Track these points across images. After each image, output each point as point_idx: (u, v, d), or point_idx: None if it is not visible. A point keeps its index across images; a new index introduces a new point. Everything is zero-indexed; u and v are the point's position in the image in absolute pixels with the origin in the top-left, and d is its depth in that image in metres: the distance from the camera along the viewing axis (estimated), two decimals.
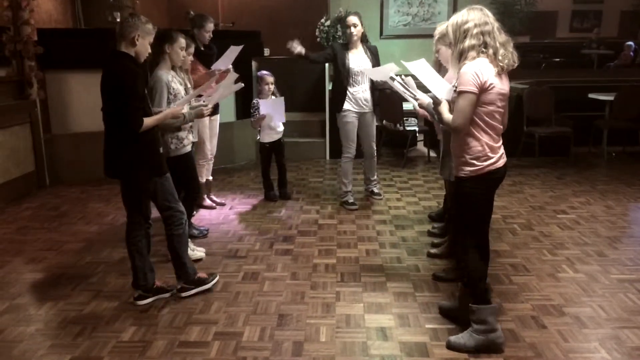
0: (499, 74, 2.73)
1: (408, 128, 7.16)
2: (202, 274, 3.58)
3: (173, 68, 3.93)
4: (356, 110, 5.14)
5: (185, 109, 3.77)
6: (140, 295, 3.42)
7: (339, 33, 8.48)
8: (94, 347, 2.95)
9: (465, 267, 2.96)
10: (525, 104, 6.96)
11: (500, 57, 2.71)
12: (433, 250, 4.14)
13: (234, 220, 5.03)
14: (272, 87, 5.37)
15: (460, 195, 2.92)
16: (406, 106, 6.96)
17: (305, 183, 6.31)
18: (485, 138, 2.77)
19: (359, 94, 5.09)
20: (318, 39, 8.64)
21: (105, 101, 3.14)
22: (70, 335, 3.06)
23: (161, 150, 3.36)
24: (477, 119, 2.75)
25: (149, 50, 3.23)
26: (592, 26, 11.62)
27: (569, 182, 6.17)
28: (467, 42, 2.72)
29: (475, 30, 2.71)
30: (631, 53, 10.78)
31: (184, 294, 3.47)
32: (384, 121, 7.10)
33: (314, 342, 2.97)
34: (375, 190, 5.56)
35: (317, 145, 7.67)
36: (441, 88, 2.96)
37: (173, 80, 3.83)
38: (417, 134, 7.80)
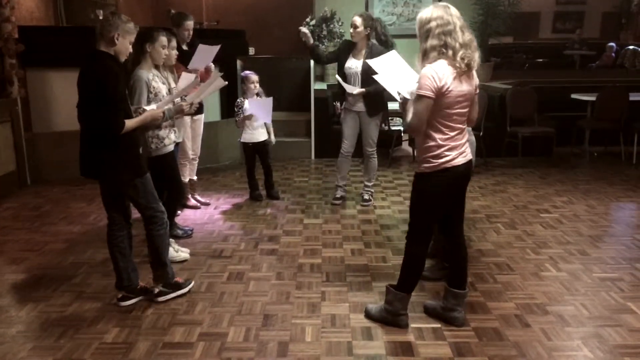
0: (459, 75, 2.75)
1: (393, 128, 7.18)
2: (178, 279, 3.52)
3: (156, 67, 3.89)
4: (353, 109, 5.13)
5: (165, 107, 3.72)
6: (123, 296, 3.38)
7: (324, 32, 8.47)
8: (76, 348, 2.91)
9: (406, 256, 3.05)
10: (508, 104, 7.01)
11: (459, 58, 2.73)
12: None
13: (218, 220, 5.00)
14: (257, 86, 5.34)
15: (417, 190, 2.97)
16: (391, 106, 6.97)
17: (291, 182, 6.30)
18: (442, 137, 2.82)
19: (349, 93, 5.07)
20: (303, 39, 8.62)
21: (83, 100, 3.09)
22: (52, 336, 3.02)
23: (140, 150, 3.31)
24: (434, 121, 2.80)
25: (130, 50, 3.19)
26: (575, 27, 11.77)
27: (552, 181, 6.23)
28: (429, 42, 2.77)
29: (437, 31, 2.74)
30: (613, 54, 10.93)
31: (161, 299, 3.39)
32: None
33: (299, 342, 2.97)
34: (365, 196, 5.44)
35: (303, 144, 7.65)
36: (408, 84, 2.96)
37: (154, 79, 3.78)
38: (402, 134, 7.82)
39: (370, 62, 3.24)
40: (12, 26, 5.86)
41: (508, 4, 8.39)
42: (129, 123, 3.10)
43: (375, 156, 5.34)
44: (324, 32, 8.49)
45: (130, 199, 3.32)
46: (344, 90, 5.10)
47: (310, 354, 2.85)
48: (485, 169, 6.77)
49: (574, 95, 7.34)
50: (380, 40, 5.08)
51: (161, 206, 3.40)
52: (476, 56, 2.79)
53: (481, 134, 6.57)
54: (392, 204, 5.44)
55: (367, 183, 5.46)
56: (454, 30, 2.73)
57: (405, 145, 7.99)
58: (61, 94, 6.24)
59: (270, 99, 5.30)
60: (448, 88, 2.72)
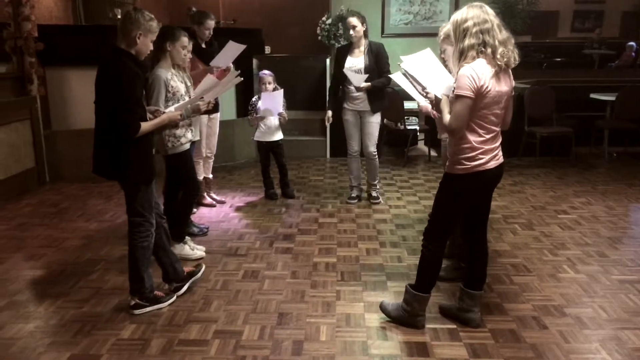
0: (497, 74, 2.72)
1: (409, 127, 7.16)
2: (158, 292, 3.37)
3: (173, 66, 3.90)
4: (351, 109, 5.12)
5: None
6: (176, 287, 3.45)
7: (340, 31, 8.46)
8: (93, 344, 2.94)
9: (423, 256, 3.02)
10: (526, 104, 6.94)
11: (499, 56, 2.69)
12: None
13: (234, 219, 5.01)
14: (272, 86, 5.35)
15: (445, 191, 2.93)
16: (407, 105, 6.95)
17: (306, 181, 6.30)
18: (477, 139, 2.78)
19: (353, 92, 5.07)
20: (319, 37, 8.62)
21: (99, 98, 3.04)
22: (69, 332, 3.05)
23: (153, 152, 3.25)
24: (470, 122, 2.75)
25: (151, 48, 3.13)
26: (594, 26, 11.61)
27: (570, 182, 6.16)
28: (467, 42, 2.71)
29: (474, 29, 2.70)
30: (632, 53, 10.77)
31: (137, 311, 3.25)
32: (385, 120, 7.08)
33: (314, 341, 2.96)
34: (374, 194, 5.43)
35: (318, 143, 7.66)
36: (442, 82, 2.94)
37: (172, 79, 3.78)
38: (418, 133, 7.79)
39: (404, 58, 3.18)
40: (32, 25, 5.93)
41: (526, 3, 8.33)
42: (145, 126, 3.03)
43: (377, 156, 5.33)
44: (340, 31, 8.48)
45: (127, 199, 3.21)
46: (334, 92, 5.17)
47: (325, 353, 2.85)
48: None
49: (592, 95, 7.25)
50: (366, 36, 5.13)
51: (153, 218, 3.26)
52: (515, 54, 2.75)
53: None
54: (407, 204, 5.41)
55: (371, 182, 5.47)
56: (492, 29, 2.70)
57: (420, 145, 7.96)
58: (80, 92, 6.32)
59: (281, 90, 5.29)
60: (487, 88, 2.69)
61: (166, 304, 3.36)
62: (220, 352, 2.86)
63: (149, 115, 3.18)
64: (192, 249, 4.08)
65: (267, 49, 8.42)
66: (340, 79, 5.12)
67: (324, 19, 8.60)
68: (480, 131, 2.78)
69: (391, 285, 3.61)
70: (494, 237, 4.48)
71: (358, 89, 4.99)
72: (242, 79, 4.21)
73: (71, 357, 2.82)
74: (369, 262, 4.02)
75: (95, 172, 3.17)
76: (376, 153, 5.29)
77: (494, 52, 2.69)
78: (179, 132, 3.84)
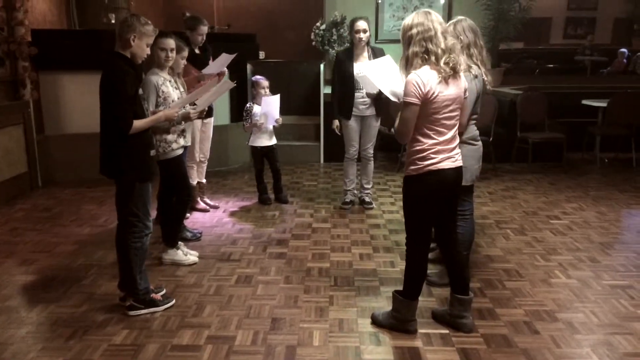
0: (445, 80, 2.75)
1: None
2: (155, 296, 3.38)
3: (167, 71, 3.91)
4: (355, 114, 5.14)
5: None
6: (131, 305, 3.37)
7: (334, 37, 8.49)
8: (85, 350, 2.93)
9: (406, 262, 3.05)
10: (518, 110, 6.98)
11: (442, 64, 2.74)
12: None
13: (227, 224, 5.01)
14: (267, 91, 5.36)
15: (405, 193, 2.97)
16: None
17: (300, 186, 6.31)
18: (429, 141, 2.83)
19: (360, 98, 5.07)
20: (313, 43, 8.65)
21: (100, 99, 3.10)
22: (61, 338, 3.04)
23: (152, 153, 3.28)
24: (422, 126, 2.81)
25: (147, 52, 3.16)
26: (586, 33, 11.70)
27: (562, 187, 6.20)
28: (411, 49, 2.79)
29: (417, 37, 2.77)
30: (624, 60, 10.86)
31: (131, 312, 3.28)
32: (379, 124, 7.09)
33: (307, 346, 2.97)
34: (367, 199, 5.46)
35: (312, 148, 7.67)
36: (396, 88, 2.98)
37: (164, 84, 3.80)
38: None
39: (368, 63, 3.26)
40: (26, 29, 5.93)
41: (519, 9, 8.37)
42: (138, 123, 3.08)
43: (373, 159, 5.39)
44: (334, 37, 8.51)
45: (121, 197, 3.20)
46: (339, 99, 5.12)
47: (318, 358, 2.85)
48: (494, 175, 6.74)
49: (584, 101, 7.31)
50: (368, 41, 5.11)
51: (148, 220, 3.27)
52: (461, 60, 2.83)
53: (491, 139, 6.56)
54: (400, 209, 5.37)
55: (366, 186, 5.47)
56: (435, 36, 2.75)
57: None
58: (73, 97, 6.32)
59: (277, 96, 5.30)
60: (433, 93, 2.73)
61: (161, 308, 3.36)
62: (213, 358, 2.86)
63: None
64: (185, 254, 4.07)
65: (262, 54, 8.44)
66: (344, 84, 5.06)
67: (318, 24, 8.62)
68: (433, 134, 2.82)
69: (384, 291, 3.62)
70: (486, 242, 4.50)
71: (370, 95, 4.99)
72: (235, 84, 4.23)
73: None
74: (362, 267, 4.03)
75: (100, 172, 3.20)
76: (373, 155, 5.36)
77: (437, 60, 2.75)
78: (170, 137, 3.85)
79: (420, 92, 2.72)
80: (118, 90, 3.00)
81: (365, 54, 5.04)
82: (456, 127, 2.90)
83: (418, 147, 2.85)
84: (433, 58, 2.75)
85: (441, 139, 2.83)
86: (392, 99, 3.00)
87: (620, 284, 3.73)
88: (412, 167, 2.88)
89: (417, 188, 2.90)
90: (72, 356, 2.87)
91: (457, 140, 2.94)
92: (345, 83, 5.07)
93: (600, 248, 4.38)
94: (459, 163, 2.93)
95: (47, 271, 3.95)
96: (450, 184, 2.91)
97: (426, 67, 2.76)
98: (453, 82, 2.80)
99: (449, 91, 2.78)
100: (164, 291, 3.53)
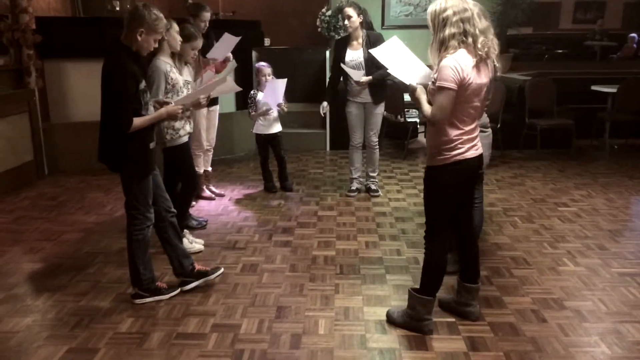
0: (477, 65, 2.67)
1: (409, 119, 7.12)
2: (160, 284, 3.40)
3: (173, 56, 3.88)
4: (355, 101, 5.09)
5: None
6: (183, 281, 3.43)
7: (340, 23, 8.41)
8: (91, 338, 2.93)
9: (426, 258, 2.96)
10: (527, 96, 6.91)
11: (479, 46, 2.65)
12: None
13: (233, 212, 5.00)
14: (268, 78, 5.31)
15: (430, 184, 2.91)
16: (407, 97, 6.91)
17: (305, 174, 6.28)
18: (456, 131, 2.75)
19: (354, 86, 5.02)
20: (319, 29, 8.56)
21: (101, 90, 3.04)
22: (67, 326, 3.05)
23: (151, 146, 3.19)
24: (450, 115, 2.72)
25: (154, 46, 3.07)
26: (596, 17, 11.55)
27: (571, 174, 6.14)
28: (447, 31, 2.65)
29: (454, 18, 2.64)
30: (634, 45, 10.72)
31: (137, 301, 3.29)
32: (385, 112, 7.03)
33: (313, 334, 2.95)
34: (373, 187, 5.43)
35: (318, 136, 7.63)
36: (415, 72, 2.89)
37: (172, 70, 3.76)
38: (418, 126, 7.76)
39: (373, 52, 3.20)
40: (30, 17, 5.90)
41: None
42: (138, 121, 3.00)
43: (378, 147, 5.34)
44: (340, 23, 8.42)
45: (123, 190, 3.19)
46: (332, 86, 5.16)
47: (324, 347, 2.84)
48: (502, 162, 6.69)
49: (594, 87, 7.21)
50: (369, 28, 5.06)
51: (150, 212, 3.24)
52: (495, 44, 2.71)
53: (499, 126, 6.49)
54: (407, 197, 5.39)
55: (372, 174, 5.45)
56: (472, 17, 2.64)
57: (421, 137, 7.92)
58: (78, 85, 6.29)
59: (284, 80, 5.26)
60: (469, 79, 2.65)
61: (167, 296, 3.35)
62: (218, 346, 2.85)
63: (156, 105, 3.18)
64: (190, 242, 4.06)
65: (267, 41, 8.37)
66: (341, 71, 5.08)
67: (323, 10, 8.54)
68: (459, 124, 2.75)
69: (390, 279, 3.60)
70: (494, 230, 4.46)
71: (358, 83, 4.95)
72: (241, 89, 4.19)
73: (69, 350, 2.82)
74: (368, 255, 4.00)
75: (98, 159, 3.16)
76: (378, 143, 5.31)
77: (474, 42, 2.64)
78: (177, 124, 3.82)
79: (459, 77, 2.62)
80: (118, 91, 2.92)
81: (360, 40, 4.99)
82: (479, 116, 2.84)
83: (445, 138, 2.75)
84: (470, 40, 2.64)
85: (467, 128, 2.76)
86: (407, 82, 2.89)
87: (629, 271, 3.69)
88: (439, 157, 2.79)
89: (444, 178, 2.81)
90: (78, 344, 2.87)
91: (478, 129, 2.88)
92: (335, 69, 5.08)
93: (609, 235, 4.33)
94: (481, 151, 2.87)
95: (53, 259, 3.96)
96: (474, 172, 2.87)
97: (463, 51, 2.65)
98: (484, 68, 2.72)
99: (480, 78, 2.70)
100: (221, 270, 3.57)
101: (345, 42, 5.09)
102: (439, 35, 2.69)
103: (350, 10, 4.90)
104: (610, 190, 5.53)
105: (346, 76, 5.08)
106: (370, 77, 4.90)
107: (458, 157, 2.76)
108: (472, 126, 2.80)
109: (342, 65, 4.99)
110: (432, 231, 2.93)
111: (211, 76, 4.04)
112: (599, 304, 3.26)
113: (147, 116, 3.10)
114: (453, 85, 2.63)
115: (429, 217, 2.94)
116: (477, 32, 2.64)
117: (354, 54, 4.99)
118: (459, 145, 2.76)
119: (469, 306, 3.07)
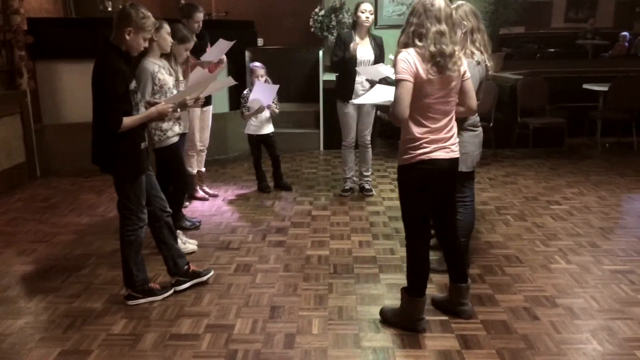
0: (431, 62, 2.67)
1: None
2: (153, 285, 3.39)
3: (167, 57, 3.86)
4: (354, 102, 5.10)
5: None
6: (177, 281, 3.43)
7: (333, 23, 8.41)
8: (84, 340, 2.92)
9: (407, 257, 2.99)
10: (519, 95, 6.93)
11: (433, 45, 2.67)
12: None
13: (226, 212, 5.00)
14: (263, 79, 5.32)
15: (399, 183, 2.94)
16: None
17: (299, 174, 6.28)
18: (421, 128, 2.76)
19: (358, 83, 5.03)
20: (312, 29, 8.57)
21: (92, 92, 3.04)
22: (60, 328, 3.04)
23: (143, 146, 3.17)
24: (413, 112, 2.73)
25: (144, 46, 3.08)
26: (587, 16, 11.60)
27: (563, 173, 6.17)
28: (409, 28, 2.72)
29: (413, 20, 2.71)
30: (626, 43, 10.78)
31: (130, 302, 3.29)
32: (378, 112, 7.05)
33: (306, 334, 2.96)
34: (367, 186, 5.44)
35: (312, 136, 7.63)
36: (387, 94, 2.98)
37: (160, 71, 3.74)
38: None
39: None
40: (21, 18, 5.88)
41: None
42: (128, 121, 2.99)
43: (371, 146, 5.37)
44: (333, 23, 8.43)
45: (116, 191, 3.19)
46: (351, 80, 5.02)
47: (317, 346, 2.85)
48: (495, 160, 6.71)
49: (585, 86, 7.25)
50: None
51: (143, 213, 3.23)
52: (483, 44, 2.74)
53: (491, 124, 6.52)
54: None
55: (365, 173, 5.45)
56: (430, 17, 2.68)
57: None
58: (70, 86, 6.27)
59: (277, 86, 5.26)
60: (422, 74, 2.66)
61: (160, 297, 3.35)
62: (212, 347, 2.85)
63: (147, 106, 3.18)
64: (183, 243, 4.05)
65: (260, 41, 8.37)
66: (348, 64, 4.94)
67: (317, 10, 8.54)
68: (425, 121, 2.75)
69: (384, 278, 3.61)
70: (486, 228, 4.48)
71: (371, 81, 4.91)
72: (237, 82, 4.19)
73: (62, 352, 2.81)
74: (361, 254, 4.01)
75: (92, 161, 3.16)
76: (371, 142, 5.34)
77: (426, 40, 2.67)
78: (165, 125, 3.79)
79: (412, 70, 2.65)
80: (108, 92, 2.93)
81: (367, 38, 4.99)
82: (452, 115, 2.83)
83: (410, 136, 2.78)
84: (424, 39, 2.67)
85: (434, 126, 2.76)
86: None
87: (621, 268, 3.72)
88: (404, 157, 2.81)
89: (409, 178, 2.84)
90: (70, 346, 2.87)
91: (454, 130, 2.85)
92: (346, 66, 5.01)
93: (600, 233, 4.36)
94: (455, 155, 2.85)
95: (46, 261, 3.95)
96: (443, 176, 2.84)
97: (414, 49, 2.69)
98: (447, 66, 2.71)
99: (439, 75, 2.69)
100: (211, 272, 3.58)
101: (350, 39, 4.98)
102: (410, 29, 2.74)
103: (371, 7, 4.90)
104: (601, 188, 5.56)
105: (346, 76, 5.03)
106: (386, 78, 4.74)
107: (423, 157, 2.76)
108: (441, 124, 2.77)
109: (359, 67, 4.90)
110: (407, 229, 2.95)
111: (200, 73, 4.02)
112: (591, 301, 3.28)
113: (137, 115, 3.09)
114: (407, 77, 2.65)
115: (402, 215, 2.97)
116: (433, 32, 2.65)
117: (365, 51, 4.95)
118: (425, 145, 2.76)
119: (461, 305, 3.09)
